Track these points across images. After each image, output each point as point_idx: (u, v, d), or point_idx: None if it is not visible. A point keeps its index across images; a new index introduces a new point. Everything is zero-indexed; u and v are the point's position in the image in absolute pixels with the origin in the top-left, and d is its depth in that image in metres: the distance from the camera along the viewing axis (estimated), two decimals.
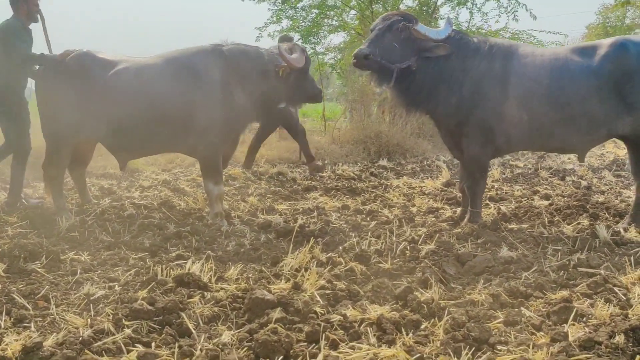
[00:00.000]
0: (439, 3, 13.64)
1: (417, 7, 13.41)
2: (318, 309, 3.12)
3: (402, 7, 13.39)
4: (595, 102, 4.75)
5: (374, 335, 2.84)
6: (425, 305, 3.14)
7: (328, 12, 13.64)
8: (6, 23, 5.59)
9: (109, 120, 5.26)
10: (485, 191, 5.72)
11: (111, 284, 3.57)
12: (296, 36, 12.89)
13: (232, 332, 2.90)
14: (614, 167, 9.34)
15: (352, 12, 14.05)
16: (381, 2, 13.38)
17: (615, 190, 7.18)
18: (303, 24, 13.30)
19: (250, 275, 3.73)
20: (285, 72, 5.23)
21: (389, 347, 2.67)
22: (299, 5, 13.29)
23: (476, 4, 13.50)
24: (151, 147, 5.62)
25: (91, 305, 3.22)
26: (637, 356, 2.51)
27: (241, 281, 3.59)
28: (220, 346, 2.73)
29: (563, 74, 4.82)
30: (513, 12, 12.89)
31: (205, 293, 3.36)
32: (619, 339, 2.65)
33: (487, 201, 6.20)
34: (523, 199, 6.41)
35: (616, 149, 12.40)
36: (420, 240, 4.54)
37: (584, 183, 7.62)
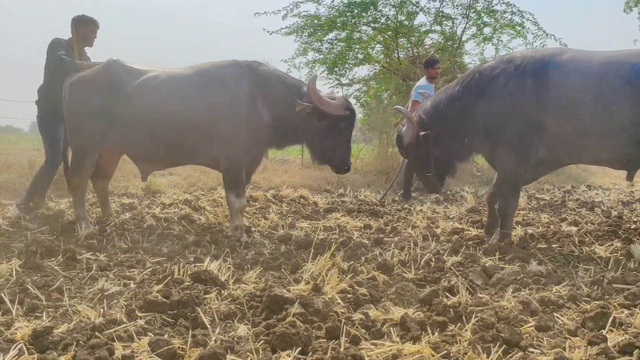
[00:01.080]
0: (463, 38, 13.70)
1: (442, 42, 13.46)
2: (339, 310, 2.99)
3: (427, 41, 13.46)
4: None
5: (398, 334, 2.69)
6: (451, 309, 2.98)
7: (354, 45, 13.76)
8: (54, 40, 5.89)
9: (135, 128, 5.26)
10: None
11: (127, 281, 3.48)
12: (322, 68, 13.01)
13: (249, 326, 2.77)
14: None
15: (378, 46, 14.16)
16: (406, 37, 13.47)
17: None
18: (329, 56, 13.41)
19: (269, 279, 3.61)
20: (303, 110, 5.05)
21: (414, 344, 2.51)
22: (325, 38, 13.43)
23: (502, 40, 13.54)
24: (176, 158, 5.59)
25: (105, 300, 3.12)
26: None
27: (260, 283, 3.47)
28: (235, 339, 2.61)
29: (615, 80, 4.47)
30: (542, 45, 12.87)
31: (223, 290, 3.24)
32: None
33: (514, 224, 6.02)
34: (551, 225, 6.21)
35: None
36: (446, 253, 4.38)
37: (614, 213, 7.39)
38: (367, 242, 5.02)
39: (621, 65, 4.47)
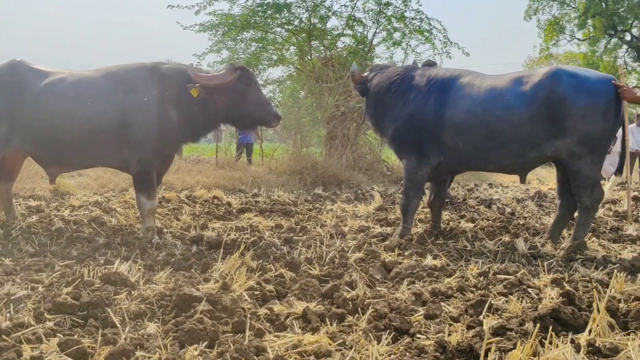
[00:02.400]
0: (374, 42, 14.18)
1: (354, 45, 13.88)
2: (245, 306, 3.16)
3: (339, 44, 13.83)
4: (528, 128, 5.05)
5: (300, 327, 2.91)
6: (350, 302, 3.23)
7: (268, 47, 13.92)
8: None
9: (41, 132, 5.19)
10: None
11: (34, 285, 3.49)
12: None
13: (158, 324, 2.90)
14: (536, 198, 9.84)
15: (292, 47, 14.39)
16: (319, 39, 13.78)
17: (537, 216, 7.56)
18: (243, 56, 13.50)
19: (179, 279, 3.73)
20: (200, 93, 5.13)
21: (313, 335, 2.73)
22: (239, 37, 13.51)
23: (410, 45, 14.14)
24: (84, 161, 5.56)
25: (11, 304, 3.13)
26: (543, 340, 2.66)
27: (170, 283, 3.59)
28: (145, 336, 2.73)
29: (497, 103, 5.15)
30: (447, 53, 13.57)
31: (133, 291, 3.34)
32: (528, 325, 2.81)
33: (417, 222, 6.41)
34: (450, 222, 6.66)
35: (540, 185, 13.06)
36: (350, 250, 4.66)
37: (508, 210, 7.99)
38: (277, 241, 5.22)
39: (502, 91, 5.16)
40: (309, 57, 13.80)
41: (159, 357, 2.37)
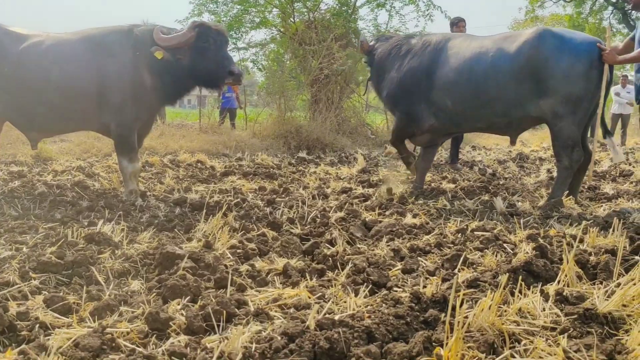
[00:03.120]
0: (358, 4, 14.05)
1: (337, 7, 13.73)
2: (228, 263, 3.24)
3: (322, 6, 13.68)
4: (512, 86, 5.19)
5: (281, 282, 2.99)
6: (330, 258, 3.31)
7: (250, 9, 13.74)
8: None
9: (19, 96, 5.16)
10: (396, 176, 6.22)
11: (19, 246, 3.52)
12: None
13: (142, 282, 2.97)
14: (517, 159, 9.98)
15: (275, 10, 14.22)
16: (302, 1, 13.62)
17: (517, 177, 7.69)
18: (225, 19, 13.33)
19: (162, 239, 3.78)
20: (164, 55, 5.06)
21: (293, 289, 2.81)
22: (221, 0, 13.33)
23: (394, 7, 14.04)
24: (65, 125, 5.56)
25: None
26: (514, 290, 2.76)
27: (153, 242, 3.65)
28: (129, 293, 2.79)
29: (483, 61, 5.33)
30: (429, 15, 13.50)
31: (116, 250, 3.39)
32: (501, 278, 2.90)
33: (398, 184, 6.50)
34: (432, 183, 6.76)
35: (522, 147, 13.20)
36: (331, 210, 4.73)
37: (489, 171, 8.11)
38: (260, 202, 5.28)
39: (488, 50, 5.32)
40: (292, 19, 13.65)
41: (143, 312, 2.44)
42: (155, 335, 2.26)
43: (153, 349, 2.14)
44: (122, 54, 5.19)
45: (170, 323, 2.34)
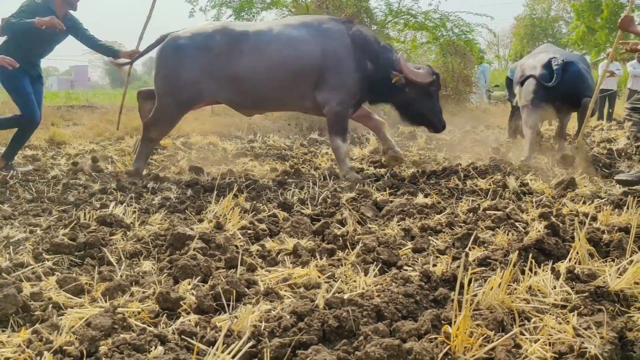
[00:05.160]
0: None
1: None
2: (238, 243, 3.25)
3: None
4: None
5: (291, 262, 3.00)
6: (340, 238, 3.32)
7: None
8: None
9: (246, 79, 5.51)
10: (408, 156, 6.17)
11: (33, 228, 3.57)
12: (229, 11, 12.88)
13: (154, 262, 2.99)
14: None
15: None
16: None
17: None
18: None
19: (174, 220, 3.80)
20: (399, 81, 5.66)
21: (303, 268, 2.82)
22: None
23: None
24: (281, 104, 6.05)
25: (11, 246, 3.21)
26: (525, 269, 2.75)
27: (164, 224, 3.67)
28: (140, 273, 2.82)
29: None
30: None
31: (128, 232, 3.42)
32: (512, 256, 2.89)
33: (410, 164, 6.48)
34: (444, 162, 6.72)
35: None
36: (342, 190, 4.73)
37: (502, 150, 8.03)
38: (271, 183, 5.29)
39: None
40: None
41: (154, 292, 2.46)
42: (166, 315, 2.29)
43: (163, 327, 2.16)
44: (341, 39, 5.65)
45: (181, 302, 2.36)
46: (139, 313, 2.27)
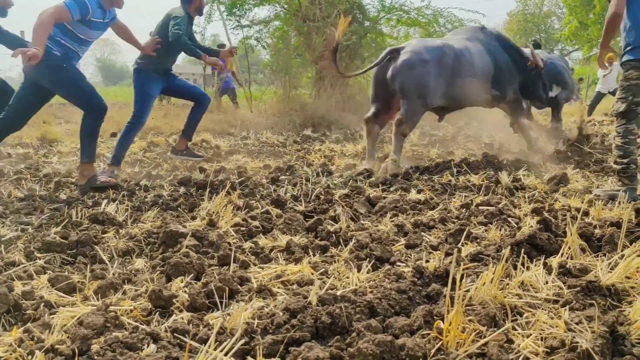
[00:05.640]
0: None
1: None
2: (231, 241, 3.24)
3: None
4: None
5: (284, 259, 2.99)
6: (333, 235, 3.31)
7: None
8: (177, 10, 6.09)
9: (468, 85, 6.40)
10: (402, 153, 6.18)
11: (24, 226, 3.55)
12: (221, 8, 12.84)
13: (146, 260, 2.98)
14: None
15: None
16: None
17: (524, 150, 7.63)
18: None
19: (167, 217, 3.79)
20: (531, 65, 6.89)
21: (296, 265, 2.82)
22: None
23: None
24: (476, 101, 6.85)
25: (2, 245, 3.20)
26: (517, 263, 2.76)
27: (157, 221, 3.66)
28: (133, 271, 2.81)
29: None
30: None
31: (120, 230, 3.41)
32: (505, 251, 2.89)
33: (404, 160, 6.47)
34: (438, 159, 6.73)
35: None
36: (336, 187, 4.73)
37: (496, 145, 8.05)
38: (264, 180, 5.28)
39: None
40: None
41: (146, 289, 2.45)
42: (158, 313, 2.28)
43: (156, 325, 2.16)
44: (498, 46, 6.82)
45: (174, 300, 2.35)
46: (131, 311, 2.26)
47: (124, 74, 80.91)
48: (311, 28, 12.73)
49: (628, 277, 2.45)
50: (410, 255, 3.07)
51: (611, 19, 4.30)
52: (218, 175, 5.44)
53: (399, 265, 2.88)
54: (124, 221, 3.61)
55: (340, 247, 3.17)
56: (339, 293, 2.33)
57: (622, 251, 2.81)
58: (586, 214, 3.80)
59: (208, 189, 4.40)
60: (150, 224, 3.54)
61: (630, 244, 2.95)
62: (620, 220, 3.29)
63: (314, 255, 3.01)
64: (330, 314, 2.11)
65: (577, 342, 1.87)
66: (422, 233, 3.40)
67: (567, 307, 2.20)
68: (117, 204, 3.91)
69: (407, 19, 13.78)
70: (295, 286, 2.58)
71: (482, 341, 1.90)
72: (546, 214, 3.71)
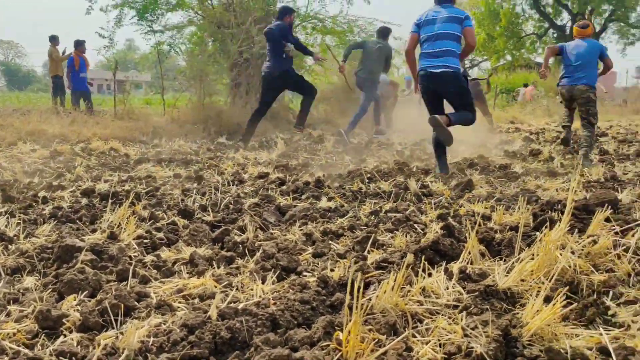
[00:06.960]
0: None
1: None
2: (133, 254, 3.10)
3: None
4: None
5: (187, 272, 2.89)
6: (240, 245, 3.25)
7: None
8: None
9: None
10: (315, 160, 6.19)
11: None
12: (131, 12, 12.46)
13: (38, 277, 2.79)
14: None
15: None
16: None
17: (433, 157, 7.85)
18: (139, 0, 12.83)
19: (64, 231, 3.59)
20: None
21: (199, 278, 2.73)
22: None
23: None
24: None
25: None
26: (420, 267, 2.79)
27: (53, 235, 3.45)
28: (21, 291, 2.62)
29: None
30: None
31: (10, 245, 3.18)
32: (409, 257, 2.94)
33: (317, 168, 6.49)
34: (350, 165, 6.79)
35: None
36: (246, 196, 4.65)
37: (407, 152, 8.25)
38: (173, 190, 5.12)
39: None
40: (209, 1, 13.32)
41: (33, 309, 2.29)
42: (45, 335, 2.12)
43: (40, 349, 2.01)
44: None
45: (64, 320, 2.20)
46: (14, 334, 2.10)
47: (31, 79, 77.06)
48: (226, 35, 12.58)
49: (523, 280, 2.53)
50: (318, 264, 3.05)
51: None
52: (124, 185, 5.23)
53: (305, 275, 2.85)
54: (15, 236, 3.38)
55: (246, 257, 3.11)
56: (240, 306, 2.27)
57: (519, 254, 2.91)
58: (489, 218, 3.93)
59: (111, 200, 4.20)
60: (45, 239, 3.33)
61: (528, 248, 3.06)
62: (519, 224, 3.41)
63: (219, 267, 2.93)
64: (230, 329, 2.04)
65: (472, 347, 1.90)
66: (330, 241, 3.39)
67: (465, 312, 2.25)
68: (7, 218, 3.65)
69: (322, 28, 13.90)
70: (197, 300, 2.49)
71: (381, 350, 1.90)
72: (451, 220, 3.80)
